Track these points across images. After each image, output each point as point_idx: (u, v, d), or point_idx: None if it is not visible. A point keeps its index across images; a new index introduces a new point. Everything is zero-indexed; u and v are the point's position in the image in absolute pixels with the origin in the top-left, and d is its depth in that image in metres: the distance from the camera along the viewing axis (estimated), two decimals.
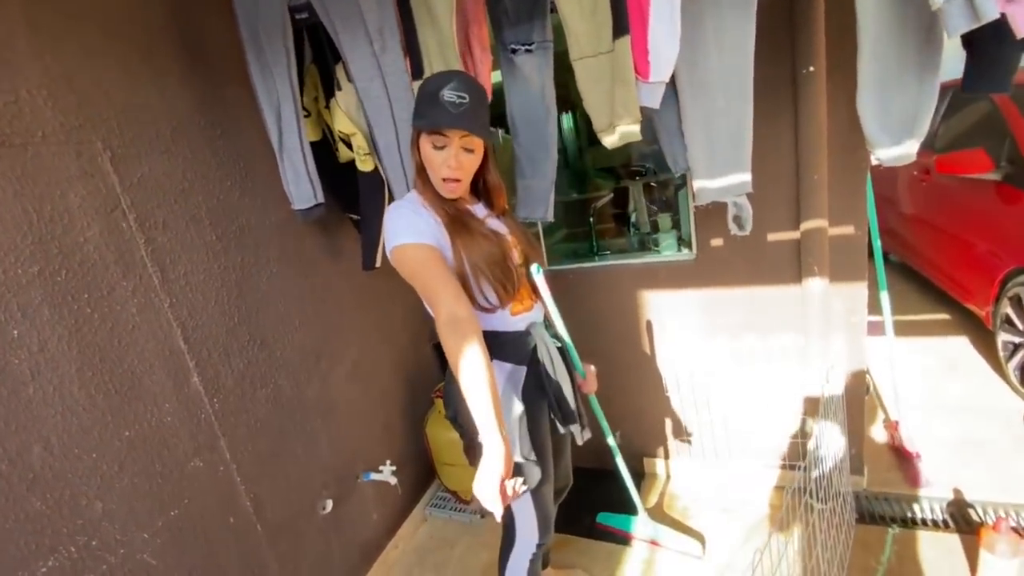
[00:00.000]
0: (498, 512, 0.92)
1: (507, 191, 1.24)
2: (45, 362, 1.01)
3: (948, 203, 2.88)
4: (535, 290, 1.24)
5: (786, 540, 1.55)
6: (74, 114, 1.09)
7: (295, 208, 1.52)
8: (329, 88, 1.50)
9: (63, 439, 1.03)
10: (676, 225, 1.99)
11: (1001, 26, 0.90)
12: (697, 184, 1.40)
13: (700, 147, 1.35)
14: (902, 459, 1.94)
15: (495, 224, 1.18)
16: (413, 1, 1.32)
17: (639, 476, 2.12)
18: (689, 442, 2.01)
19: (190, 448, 1.27)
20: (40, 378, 1.00)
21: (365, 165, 1.52)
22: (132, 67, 1.21)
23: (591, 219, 2.20)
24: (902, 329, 2.58)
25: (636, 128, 1.27)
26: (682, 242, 1.93)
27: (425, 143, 1.06)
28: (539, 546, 1.25)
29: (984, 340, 2.62)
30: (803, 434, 1.81)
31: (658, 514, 1.90)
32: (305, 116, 1.48)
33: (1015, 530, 1.47)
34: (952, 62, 1.11)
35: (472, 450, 1.12)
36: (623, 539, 1.84)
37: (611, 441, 1.63)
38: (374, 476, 1.83)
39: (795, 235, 1.60)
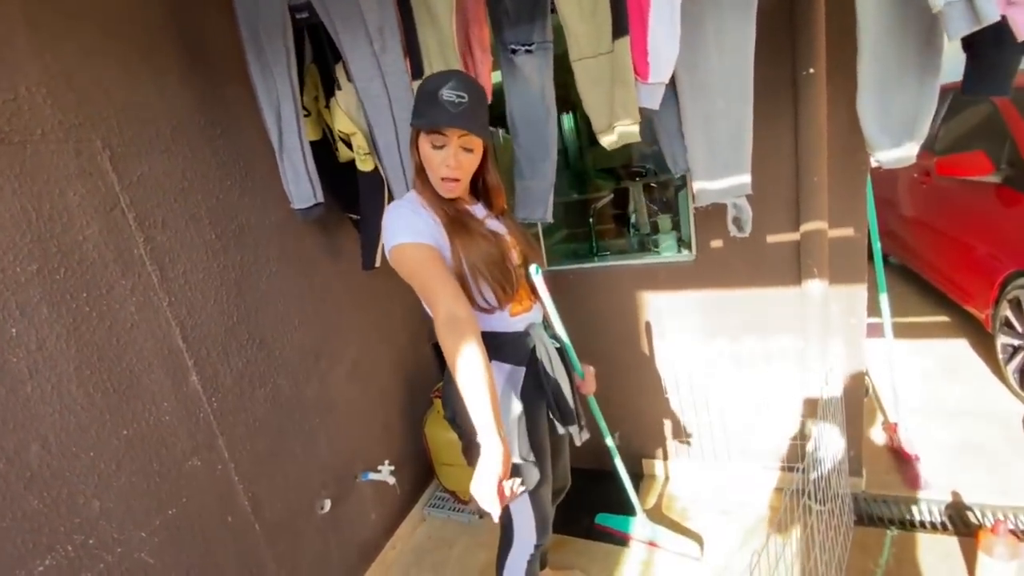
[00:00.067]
0: (496, 513, 0.92)
1: (506, 191, 1.24)
2: (43, 360, 1.01)
3: (948, 205, 2.88)
4: (534, 291, 1.24)
5: (784, 542, 1.55)
6: (73, 112, 1.09)
7: (295, 207, 1.52)
8: (329, 88, 1.50)
9: (61, 437, 1.03)
10: (676, 226, 1.99)
11: (1001, 29, 0.90)
12: (697, 185, 1.40)
13: (700, 148, 1.35)
14: (901, 461, 1.94)
15: (494, 224, 1.18)
16: (413, 1, 1.32)
17: (638, 477, 2.12)
18: (688, 443, 2.01)
19: (188, 447, 1.27)
20: (38, 376, 1.00)
21: (365, 165, 1.52)
22: (132, 66, 1.21)
23: (591, 220, 2.20)
24: (901, 331, 2.58)
25: (635, 129, 1.27)
26: (682, 243, 1.93)
27: (424, 143, 1.06)
28: (537, 547, 1.25)
29: (983, 343, 2.62)
30: (802, 436, 1.81)
31: (657, 515, 1.90)
32: (305, 115, 1.48)
33: (1013, 533, 1.47)
34: (952, 64, 1.11)
35: (470, 450, 1.12)
36: (621, 540, 1.83)
37: (610, 442, 1.63)
38: (372, 476, 1.83)
39: (795, 237, 1.60)
